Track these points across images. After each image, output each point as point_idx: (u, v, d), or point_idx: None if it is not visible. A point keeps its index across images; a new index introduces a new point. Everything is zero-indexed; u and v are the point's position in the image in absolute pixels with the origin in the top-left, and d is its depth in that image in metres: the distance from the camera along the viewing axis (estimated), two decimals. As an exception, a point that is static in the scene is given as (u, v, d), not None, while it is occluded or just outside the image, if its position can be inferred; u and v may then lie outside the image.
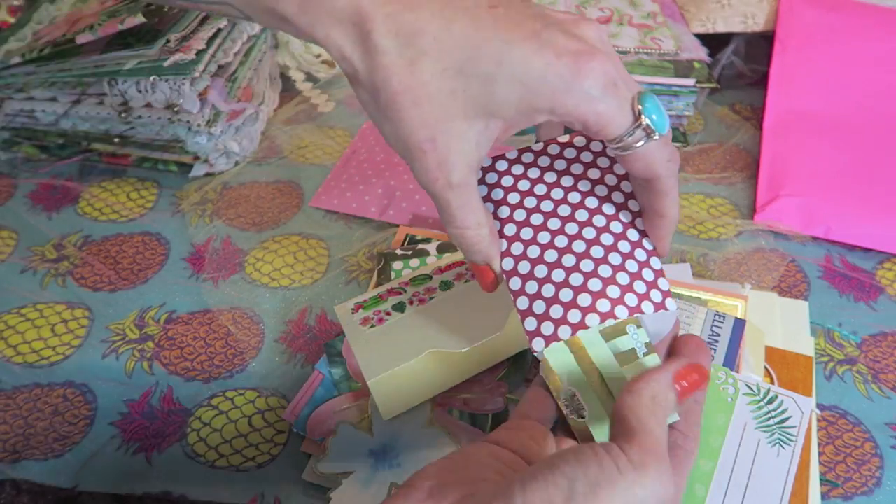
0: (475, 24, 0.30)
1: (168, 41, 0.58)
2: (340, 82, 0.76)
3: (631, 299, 0.33)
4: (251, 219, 0.61)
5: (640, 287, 0.33)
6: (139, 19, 0.55)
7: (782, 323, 0.51)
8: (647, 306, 0.33)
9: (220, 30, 0.62)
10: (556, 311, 0.32)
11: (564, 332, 0.32)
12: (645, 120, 0.30)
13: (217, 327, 0.52)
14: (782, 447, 0.42)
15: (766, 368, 0.48)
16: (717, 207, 0.63)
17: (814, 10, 0.74)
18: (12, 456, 0.44)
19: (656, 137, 0.31)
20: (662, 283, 0.34)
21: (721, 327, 0.47)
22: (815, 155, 0.65)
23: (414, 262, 0.48)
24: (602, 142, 0.35)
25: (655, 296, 0.33)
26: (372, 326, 0.42)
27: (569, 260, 0.33)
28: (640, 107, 0.30)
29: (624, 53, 0.68)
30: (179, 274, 0.56)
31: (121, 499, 0.42)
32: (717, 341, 0.47)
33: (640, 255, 0.34)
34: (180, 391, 0.48)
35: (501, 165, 0.36)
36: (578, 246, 0.34)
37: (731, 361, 0.46)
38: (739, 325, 0.48)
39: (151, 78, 0.58)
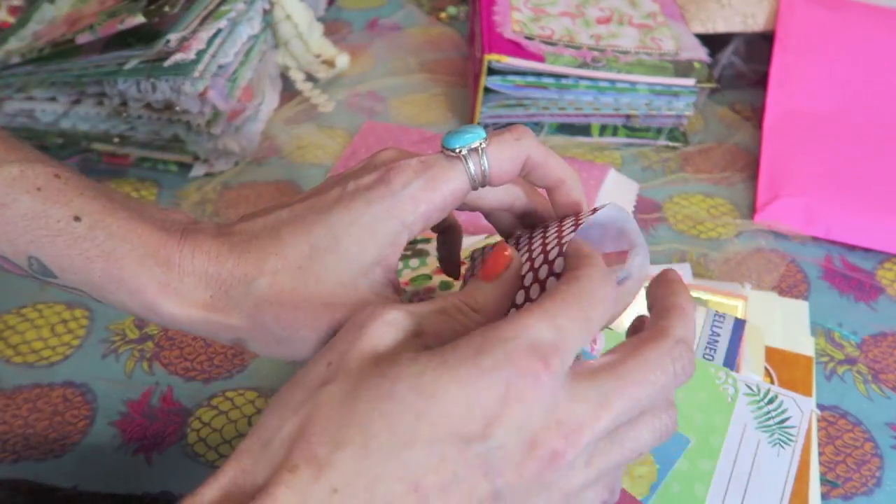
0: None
1: (168, 41, 0.58)
2: (340, 82, 0.77)
3: None
4: (251, 219, 0.61)
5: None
6: (139, 19, 0.55)
7: (782, 323, 0.51)
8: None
9: (220, 30, 0.62)
10: None
11: None
12: (462, 151, 0.31)
13: (217, 327, 0.52)
14: (782, 447, 0.42)
15: (766, 368, 0.48)
16: (717, 207, 0.63)
17: (814, 10, 0.74)
18: (12, 456, 0.44)
19: (483, 146, 0.31)
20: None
21: (721, 327, 0.47)
22: (815, 155, 0.66)
23: (414, 262, 0.48)
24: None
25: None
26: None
27: None
28: (450, 149, 0.31)
29: (624, 53, 0.68)
30: (179, 274, 0.56)
31: (121, 499, 0.42)
32: (717, 341, 0.47)
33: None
34: (180, 391, 0.48)
35: None
36: None
37: (731, 361, 0.46)
38: (739, 325, 0.48)
39: (151, 78, 0.58)
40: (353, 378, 0.25)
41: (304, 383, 0.26)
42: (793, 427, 0.42)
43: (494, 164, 0.32)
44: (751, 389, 0.44)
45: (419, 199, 0.31)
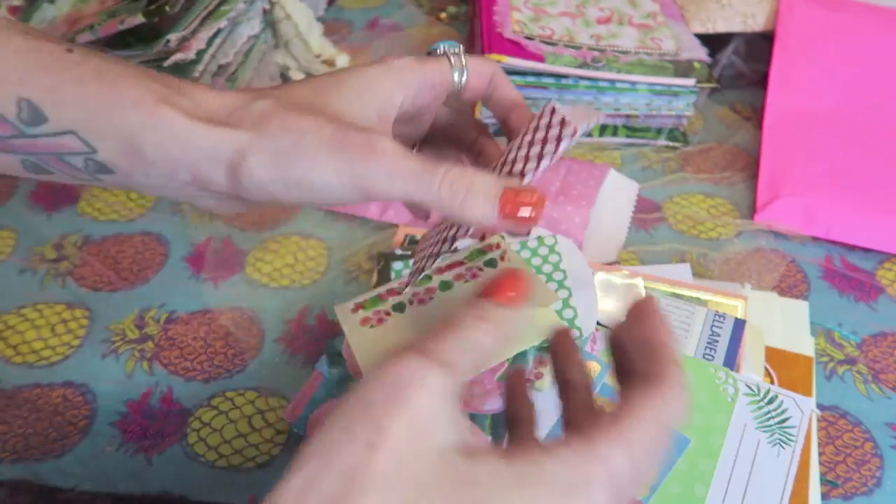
0: None
1: (168, 41, 0.58)
2: (340, 82, 0.76)
3: None
4: (251, 219, 0.61)
5: None
6: (139, 19, 0.55)
7: (782, 323, 0.51)
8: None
9: (220, 30, 0.62)
10: None
11: None
12: (448, 49, 0.36)
13: (217, 327, 0.52)
14: (782, 447, 0.42)
15: (766, 368, 0.48)
16: (717, 207, 0.63)
17: (814, 10, 0.74)
18: (12, 456, 0.44)
19: (461, 52, 0.37)
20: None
21: (721, 327, 0.47)
22: (815, 155, 0.65)
23: (397, 266, 0.48)
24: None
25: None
26: (371, 326, 0.42)
27: None
28: (439, 48, 0.37)
29: (624, 53, 0.68)
30: (179, 274, 0.56)
31: (121, 499, 0.42)
32: (717, 341, 0.47)
33: None
34: (180, 391, 0.48)
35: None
36: None
37: (731, 361, 0.46)
38: (739, 325, 0.48)
39: (151, 78, 0.58)
40: (413, 485, 0.21)
41: (340, 464, 0.21)
42: (793, 427, 0.43)
43: (471, 68, 0.36)
44: (751, 389, 0.44)
45: (413, 68, 0.35)
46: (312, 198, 0.31)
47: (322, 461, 0.22)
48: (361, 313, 0.44)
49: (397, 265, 0.49)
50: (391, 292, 0.44)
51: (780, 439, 0.42)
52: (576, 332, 0.42)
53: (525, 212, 0.29)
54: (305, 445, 0.22)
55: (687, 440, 0.42)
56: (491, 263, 0.43)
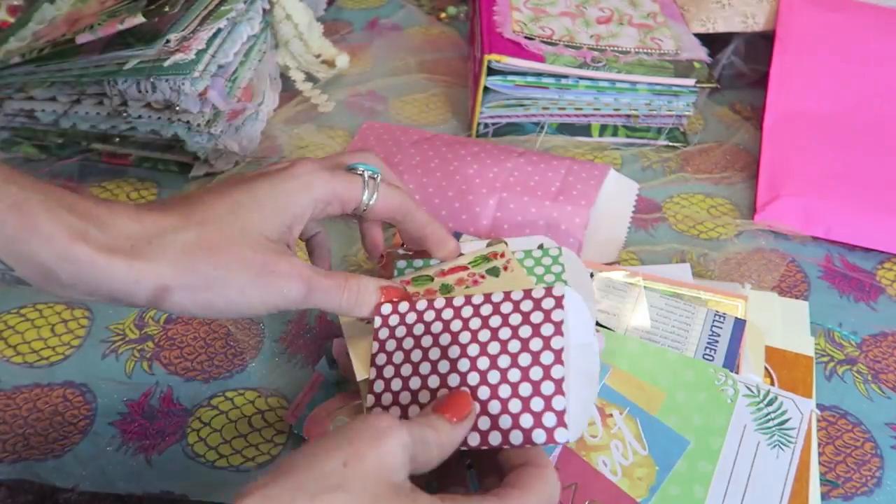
0: None
1: (168, 41, 0.58)
2: (340, 82, 0.77)
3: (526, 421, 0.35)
4: (251, 219, 0.61)
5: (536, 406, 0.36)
6: (139, 19, 0.55)
7: (782, 323, 0.51)
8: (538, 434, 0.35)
9: (220, 30, 0.62)
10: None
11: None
12: (366, 172, 0.40)
13: (217, 327, 0.52)
14: (782, 449, 0.42)
15: (766, 368, 0.48)
16: (717, 207, 0.63)
17: (814, 10, 0.74)
18: (12, 456, 0.44)
19: (378, 178, 0.40)
20: (557, 402, 0.36)
21: (721, 327, 0.47)
22: (815, 155, 0.66)
23: (418, 262, 0.48)
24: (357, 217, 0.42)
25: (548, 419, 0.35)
26: (368, 322, 0.42)
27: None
28: (358, 169, 0.40)
29: (624, 53, 0.68)
30: (179, 274, 0.56)
31: (121, 499, 0.42)
32: (717, 341, 0.47)
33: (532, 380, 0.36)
34: (180, 391, 0.48)
35: (393, 319, 0.40)
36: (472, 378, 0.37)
37: (731, 361, 0.46)
38: (739, 325, 0.48)
39: (151, 78, 0.58)
40: (370, 498, 0.27)
41: (318, 473, 0.27)
42: (792, 429, 0.42)
43: (381, 194, 0.40)
44: (750, 391, 0.44)
45: (326, 182, 0.38)
46: (228, 317, 0.36)
47: (305, 466, 0.28)
48: None
49: (401, 263, 0.48)
50: (403, 283, 0.44)
51: (779, 441, 0.42)
52: None
53: (395, 298, 0.39)
54: (292, 453, 0.29)
55: (686, 441, 0.42)
56: (493, 272, 0.43)
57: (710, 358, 0.46)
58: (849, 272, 0.58)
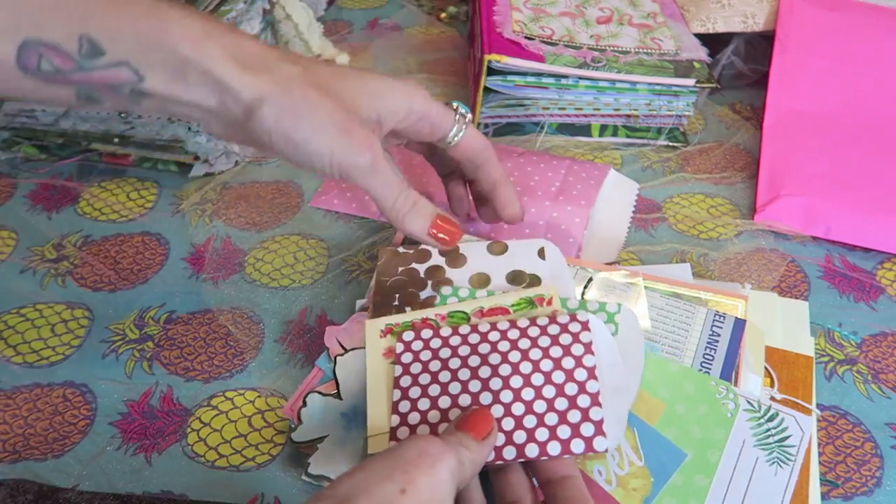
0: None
1: (168, 41, 0.58)
2: (340, 82, 0.76)
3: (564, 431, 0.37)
4: (251, 219, 0.61)
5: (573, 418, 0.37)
6: (139, 19, 0.55)
7: (782, 323, 0.51)
8: (576, 444, 0.36)
9: (220, 30, 0.62)
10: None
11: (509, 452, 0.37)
12: (459, 108, 0.42)
13: (217, 327, 0.52)
14: (780, 466, 0.41)
15: (766, 368, 0.48)
16: (717, 207, 0.63)
17: (814, 10, 0.74)
18: (12, 456, 0.44)
19: (468, 117, 0.42)
20: (595, 412, 0.37)
21: (721, 327, 0.47)
22: (815, 155, 0.65)
23: (463, 292, 0.45)
24: (437, 147, 0.44)
25: (587, 429, 0.37)
26: (392, 363, 0.42)
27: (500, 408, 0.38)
28: (453, 104, 0.42)
29: (624, 53, 0.68)
30: (179, 274, 0.56)
31: (121, 499, 0.42)
32: (717, 341, 0.47)
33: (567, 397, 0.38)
34: (180, 391, 0.48)
35: (417, 344, 0.41)
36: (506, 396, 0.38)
37: (731, 361, 0.46)
38: (739, 325, 0.47)
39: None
40: None
41: (377, 496, 0.28)
42: (792, 447, 0.42)
43: (468, 132, 0.42)
44: (751, 405, 0.43)
45: (425, 99, 0.40)
46: (300, 160, 0.37)
47: (362, 491, 0.28)
48: (389, 340, 0.43)
49: (445, 290, 0.46)
50: (425, 322, 0.43)
51: (778, 458, 0.41)
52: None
53: (444, 236, 0.41)
54: (344, 477, 0.29)
55: (683, 454, 0.41)
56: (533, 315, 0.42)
57: (710, 358, 0.46)
58: (849, 272, 0.58)
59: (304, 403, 0.44)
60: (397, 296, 0.46)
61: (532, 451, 0.36)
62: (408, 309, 0.45)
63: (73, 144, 0.65)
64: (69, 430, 0.46)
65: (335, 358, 0.44)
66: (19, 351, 0.50)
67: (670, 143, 0.70)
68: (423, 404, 0.39)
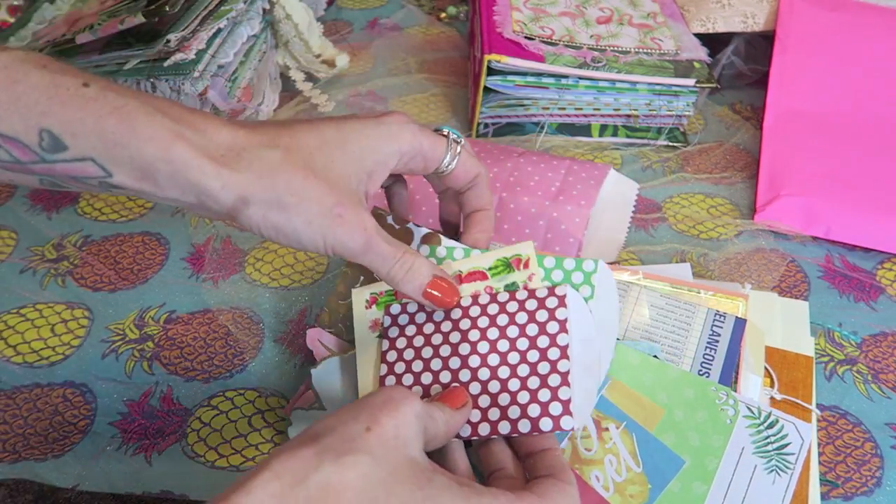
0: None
1: (168, 41, 0.58)
2: (340, 82, 0.77)
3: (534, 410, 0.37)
4: (251, 219, 0.61)
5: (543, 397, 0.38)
6: (139, 19, 0.55)
7: (782, 323, 0.51)
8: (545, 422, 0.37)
9: (220, 30, 0.62)
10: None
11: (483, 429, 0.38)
12: (451, 135, 0.41)
13: (217, 327, 0.52)
14: (779, 474, 0.41)
15: (766, 368, 0.48)
16: (717, 207, 0.63)
17: (814, 10, 0.74)
18: (12, 456, 0.44)
19: (463, 143, 0.41)
20: (563, 392, 0.38)
21: (721, 327, 0.47)
22: (815, 155, 0.66)
23: (441, 251, 0.46)
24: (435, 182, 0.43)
25: (554, 408, 0.37)
26: (378, 335, 0.42)
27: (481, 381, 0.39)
28: (444, 131, 0.41)
29: (624, 53, 0.68)
30: (179, 274, 0.56)
31: (121, 499, 0.42)
32: (717, 341, 0.47)
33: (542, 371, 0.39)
34: (180, 391, 0.48)
35: (403, 318, 0.42)
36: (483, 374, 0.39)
37: (731, 361, 0.46)
38: (740, 324, 0.47)
39: (151, 78, 0.58)
40: (390, 466, 0.29)
41: (342, 437, 0.29)
42: (791, 454, 0.41)
43: (461, 159, 0.41)
44: (751, 412, 0.42)
45: (414, 136, 0.38)
46: (291, 245, 0.36)
47: (330, 429, 0.30)
48: (374, 312, 0.43)
49: (424, 249, 0.46)
50: None
51: (777, 466, 0.41)
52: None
53: (439, 295, 0.39)
54: (317, 422, 0.31)
55: (682, 461, 0.41)
56: (512, 286, 0.42)
57: (711, 358, 0.46)
58: (849, 272, 0.58)
59: (290, 422, 0.45)
60: None
61: (504, 428, 0.37)
62: None
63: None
64: (69, 430, 0.46)
65: (311, 371, 0.44)
66: (19, 351, 0.50)
67: (670, 143, 0.70)
68: (407, 380, 0.40)
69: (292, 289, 0.55)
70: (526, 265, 0.42)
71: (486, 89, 0.66)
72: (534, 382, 0.38)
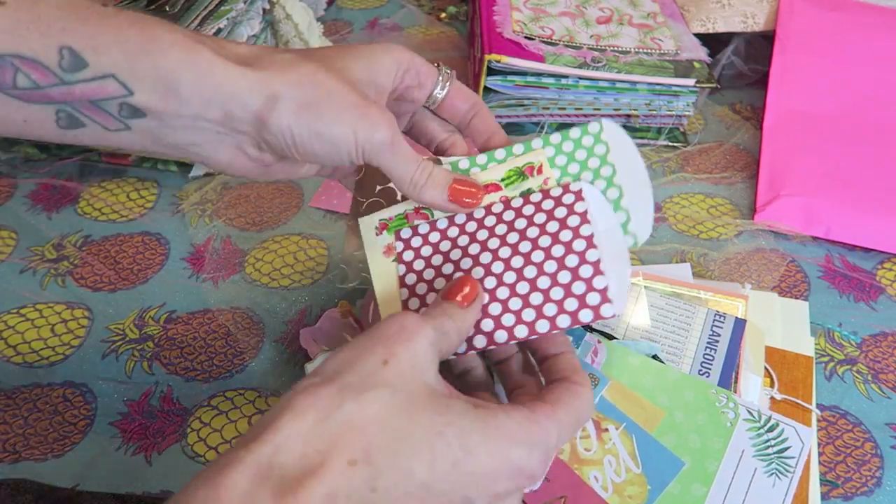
0: None
1: (168, 41, 0.58)
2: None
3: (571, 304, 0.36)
4: (251, 219, 0.61)
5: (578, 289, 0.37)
6: (139, 19, 0.55)
7: (782, 323, 0.51)
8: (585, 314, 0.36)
9: (220, 30, 0.62)
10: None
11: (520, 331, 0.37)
12: (444, 67, 0.41)
13: (217, 327, 0.52)
14: (779, 478, 0.41)
15: (766, 368, 0.48)
16: (717, 207, 0.63)
17: (814, 10, 0.74)
18: (12, 456, 0.44)
19: (452, 74, 0.41)
20: (598, 281, 0.37)
21: (721, 327, 0.47)
22: (815, 155, 0.66)
23: (463, 163, 0.43)
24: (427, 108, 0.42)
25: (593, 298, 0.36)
26: (394, 260, 0.42)
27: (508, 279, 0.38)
28: (435, 62, 0.41)
29: (624, 53, 0.68)
30: (179, 274, 0.56)
31: (121, 499, 0.42)
32: (717, 341, 0.47)
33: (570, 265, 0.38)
34: (180, 391, 0.48)
35: (416, 241, 0.41)
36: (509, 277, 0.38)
37: (731, 361, 0.46)
38: (740, 324, 0.47)
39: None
40: (409, 395, 0.29)
41: (361, 373, 0.29)
42: (791, 458, 0.41)
43: (455, 85, 0.41)
44: (751, 415, 0.43)
45: (409, 53, 0.39)
46: (323, 146, 0.35)
47: (347, 364, 0.30)
48: (385, 237, 0.42)
49: (443, 159, 0.46)
50: (418, 212, 0.42)
51: (777, 469, 0.41)
52: (630, 240, 0.39)
53: (467, 199, 0.39)
54: (333, 354, 0.31)
55: (681, 462, 0.41)
56: (528, 193, 0.40)
57: (711, 358, 0.46)
58: (849, 272, 0.58)
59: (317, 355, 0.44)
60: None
61: (543, 326, 0.36)
62: (400, 199, 0.43)
63: (74, 144, 0.65)
64: (69, 430, 0.46)
65: (306, 366, 0.44)
66: (19, 351, 0.50)
67: (670, 143, 0.70)
68: (432, 299, 0.39)
69: (292, 289, 0.55)
70: (539, 171, 0.41)
71: (487, 89, 0.66)
72: (564, 277, 0.37)
